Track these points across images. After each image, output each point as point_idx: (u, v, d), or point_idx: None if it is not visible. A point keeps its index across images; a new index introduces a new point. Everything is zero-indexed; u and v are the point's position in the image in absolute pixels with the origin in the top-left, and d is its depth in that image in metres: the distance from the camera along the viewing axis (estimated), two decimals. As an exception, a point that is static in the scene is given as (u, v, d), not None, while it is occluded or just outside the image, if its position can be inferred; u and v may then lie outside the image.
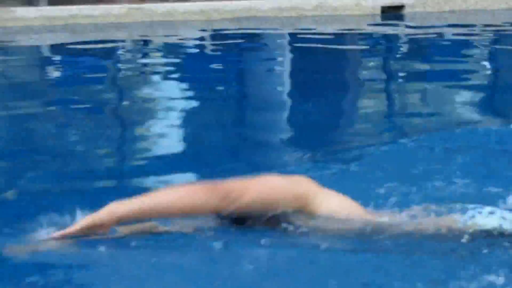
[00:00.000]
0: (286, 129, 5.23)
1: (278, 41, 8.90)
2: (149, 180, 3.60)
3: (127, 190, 3.28)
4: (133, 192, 2.54)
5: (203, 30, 9.22)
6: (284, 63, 7.66)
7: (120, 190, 3.33)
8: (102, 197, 2.68)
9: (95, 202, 2.54)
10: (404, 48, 8.60)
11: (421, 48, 8.48)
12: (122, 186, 3.39)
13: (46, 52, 8.41)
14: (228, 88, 6.55)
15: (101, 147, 4.46)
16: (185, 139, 4.76)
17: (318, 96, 5.96)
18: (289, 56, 8.03)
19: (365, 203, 2.63)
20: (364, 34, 9.27)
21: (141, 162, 4.07)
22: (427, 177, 3.24)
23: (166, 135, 4.86)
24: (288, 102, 6.12)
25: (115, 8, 9.63)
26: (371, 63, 7.83)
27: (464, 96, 5.87)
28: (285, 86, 6.60)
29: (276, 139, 4.85)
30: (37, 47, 8.63)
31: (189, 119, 5.35)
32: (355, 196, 2.65)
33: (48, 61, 7.98)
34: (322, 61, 7.58)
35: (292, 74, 6.90)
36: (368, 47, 8.68)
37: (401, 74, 7.13)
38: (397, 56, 8.18)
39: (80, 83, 6.43)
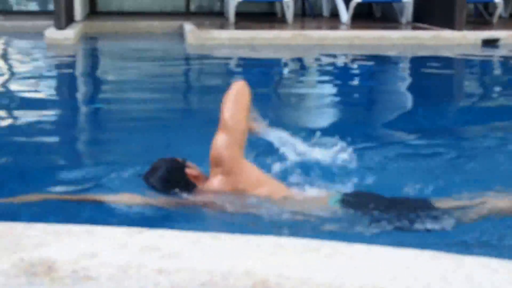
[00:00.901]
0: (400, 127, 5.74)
1: (402, 63, 9.45)
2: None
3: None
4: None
5: (347, 51, 9.83)
6: (405, 80, 8.21)
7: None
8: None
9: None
10: (498, 72, 9.15)
11: (510, 72, 8.96)
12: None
13: (233, 63, 9.27)
14: (360, 97, 7.11)
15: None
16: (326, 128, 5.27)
17: (431, 105, 6.47)
18: (410, 75, 8.60)
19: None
20: (468, 60, 9.56)
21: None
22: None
23: (312, 125, 5.57)
24: (405, 109, 6.60)
25: (284, 33, 10.44)
26: (472, 82, 8.31)
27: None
28: (406, 99, 7.09)
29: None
30: (226, 59, 9.41)
31: (328, 115, 6.11)
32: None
33: (232, 69, 8.85)
34: (435, 78, 8.10)
35: (412, 91, 7.42)
36: (470, 69, 9.14)
37: (496, 92, 7.59)
38: (493, 77, 8.69)
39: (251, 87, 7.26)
